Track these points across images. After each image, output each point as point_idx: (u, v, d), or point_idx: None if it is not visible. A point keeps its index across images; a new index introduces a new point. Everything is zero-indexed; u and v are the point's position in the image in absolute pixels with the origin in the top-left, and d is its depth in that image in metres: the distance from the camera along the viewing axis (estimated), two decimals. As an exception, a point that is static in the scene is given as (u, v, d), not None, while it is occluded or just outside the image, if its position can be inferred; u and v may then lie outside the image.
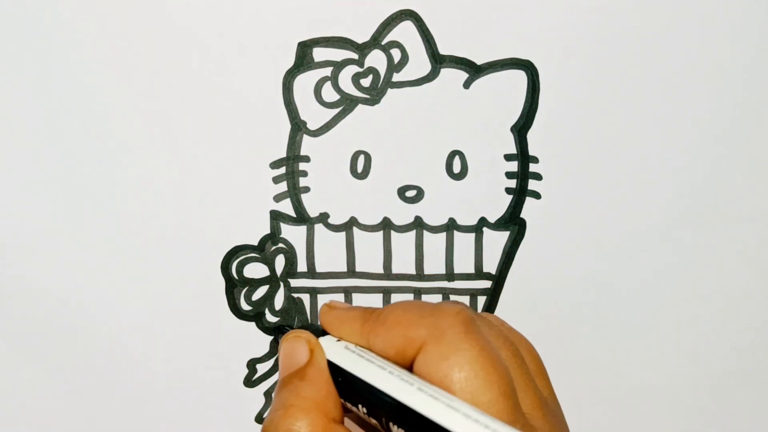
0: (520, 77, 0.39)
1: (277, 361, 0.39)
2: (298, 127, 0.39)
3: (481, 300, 0.40)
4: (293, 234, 0.39)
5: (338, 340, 0.29)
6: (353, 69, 0.39)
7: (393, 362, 0.27)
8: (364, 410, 0.26)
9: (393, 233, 0.39)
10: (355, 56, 0.39)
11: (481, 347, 0.26)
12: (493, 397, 0.25)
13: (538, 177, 0.40)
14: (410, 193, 0.39)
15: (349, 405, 0.27)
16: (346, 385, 0.27)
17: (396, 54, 0.39)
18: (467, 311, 0.27)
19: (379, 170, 0.39)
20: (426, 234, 0.39)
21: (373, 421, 0.26)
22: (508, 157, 0.40)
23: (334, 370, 0.28)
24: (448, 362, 0.25)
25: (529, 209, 0.40)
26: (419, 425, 0.23)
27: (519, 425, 0.25)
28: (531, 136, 0.40)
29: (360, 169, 0.39)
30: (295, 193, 0.39)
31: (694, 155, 0.40)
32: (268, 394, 0.39)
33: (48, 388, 0.39)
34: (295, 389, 0.28)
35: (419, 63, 0.39)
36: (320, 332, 0.30)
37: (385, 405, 0.25)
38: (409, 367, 0.27)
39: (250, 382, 0.39)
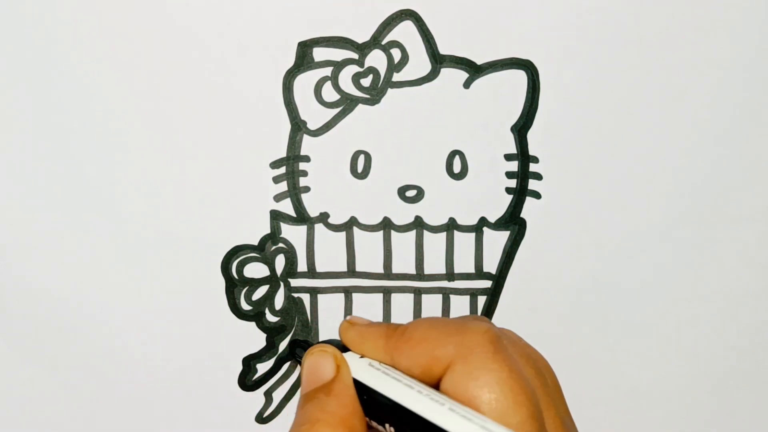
0: (520, 77, 0.39)
1: (276, 360, 0.39)
2: (298, 127, 0.39)
3: (481, 300, 0.40)
4: (293, 234, 0.39)
5: (361, 357, 0.28)
6: (353, 69, 0.39)
7: (419, 381, 0.27)
8: (392, 429, 0.26)
9: (393, 233, 0.39)
10: (355, 56, 0.39)
11: (510, 368, 0.26)
12: (522, 419, 0.25)
13: (538, 177, 0.40)
14: (410, 193, 0.39)
15: (374, 424, 0.27)
16: (372, 403, 0.27)
17: (396, 54, 0.39)
18: (494, 329, 0.27)
19: (379, 170, 0.39)
20: (426, 234, 0.39)
21: None
22: (508, 157, 0.40)
23: (359, 387, 0.27)
24: (477, 382, 0.25)
25: (529, 209, 0.40)
26: None
27: None
28: (531, 136, 0.40)
29: (360, 169, 0.39)
30: (295, 192, 0.39)
31: (694, 155, 0.40)
32: (268, 394, 0.39)
33: (48, 388, 0.39)
34: (320, 404, 0.27)
35: (419, 63, 0.39)
36: (341, 348, 0.29)
37: (416, 424, 0.25)
38: (435, 386, 0.27)
39: (246, 381, 0.39)
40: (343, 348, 0.29)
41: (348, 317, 0.32)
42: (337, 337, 0.30)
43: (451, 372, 0.26)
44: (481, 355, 0.26)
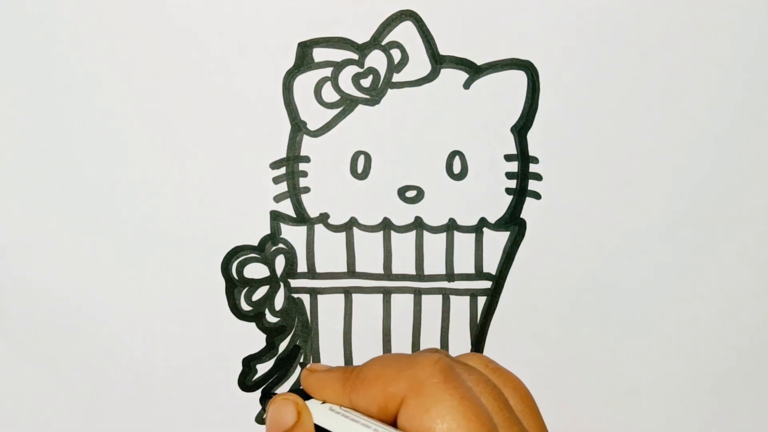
0: (520, 77, 0.39)
1: (276, 361, 0.39)
2: (298, 128, 0.39)
3: (481, 300, 0.40)
4: (293, 234, 0.39)
5: (323, 403, 0.29)
6: (353, 69, 0.39)
7: (377, 419, 0.27)
8: None
9: (393, 233, 0.39)
10: (355, 56, 0.39)
11: (461, 396, 0.26)
12: None
13: (538, 177, 0.40)
14: (410, 194, 0.39)
15: None
16: None
17: (396, 54, 0.39)
18: (444, 359, 0.28)
19: (379, 170, 0.39)
20: (426, 234, 0.39)
21: None
22: (508, 158, 0.40)
23: None
24: (429, 414, 0.26)
25: (529, 209, 0.40)
26: None
27: None
28: (531, 136, 0.40)
29: (360, 169, 0.39)
30: (295, 193, 0.39)
31: (694, 155, 0.40)
32: (268, 393, 0.39)
33: (48, 388, 0.39)
34: None
35: (419, 63, 0.39)
36: (304, 396, 0.31)
37: None
38: (393, 423, 0.27)
39: (246, 382, 0.39)
40: (306, 396, 0.30)
41: (308, 365, 0.32)
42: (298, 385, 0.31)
43: (405, 407, 0.27)
44: (432, 386, 0.26)
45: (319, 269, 0.39)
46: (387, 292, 0.39)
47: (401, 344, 0.39)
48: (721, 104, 0.39)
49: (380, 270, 0.39)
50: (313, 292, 0.39)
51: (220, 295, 0.39)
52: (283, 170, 0.39)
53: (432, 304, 0.39)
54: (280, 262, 0.39)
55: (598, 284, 0.41)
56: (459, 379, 0.27)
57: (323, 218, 0.39)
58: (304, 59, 0.39)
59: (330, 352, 0.39)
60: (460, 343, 0.39)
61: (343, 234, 0.39)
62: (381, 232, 0.39)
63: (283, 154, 0.39)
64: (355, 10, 0.39)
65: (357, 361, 0.39)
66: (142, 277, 0.39)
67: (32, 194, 0.39)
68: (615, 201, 0.40)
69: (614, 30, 0.39)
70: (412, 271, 0.39)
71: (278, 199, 0.39)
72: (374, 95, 0.39)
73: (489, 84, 0.39)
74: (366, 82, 0.39)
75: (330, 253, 0.39)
